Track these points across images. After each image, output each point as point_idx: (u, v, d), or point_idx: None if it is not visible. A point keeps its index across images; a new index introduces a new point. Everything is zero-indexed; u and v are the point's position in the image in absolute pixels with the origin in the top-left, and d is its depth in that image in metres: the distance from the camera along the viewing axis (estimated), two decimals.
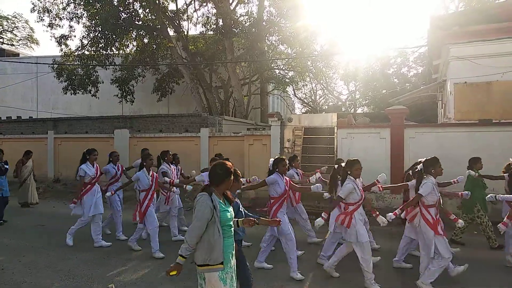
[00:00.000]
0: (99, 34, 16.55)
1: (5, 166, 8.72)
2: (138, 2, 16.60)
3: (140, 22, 17.20)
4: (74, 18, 17.00)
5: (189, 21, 18.52)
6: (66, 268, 5.46)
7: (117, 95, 18.79)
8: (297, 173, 7.14)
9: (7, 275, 5.17)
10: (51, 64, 17.37)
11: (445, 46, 10.65)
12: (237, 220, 3.33)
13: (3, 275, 5.17)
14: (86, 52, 17.32)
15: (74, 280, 4.98)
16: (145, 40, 17.89)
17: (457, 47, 10.19)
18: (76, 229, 6.67)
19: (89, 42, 16.93)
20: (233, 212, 3.20)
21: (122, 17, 16.51)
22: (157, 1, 15.94)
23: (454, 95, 10.31)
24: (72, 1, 16.79)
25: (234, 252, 3.13)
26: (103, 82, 18.20)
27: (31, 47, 31.34)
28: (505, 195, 5.20)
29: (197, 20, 18.67)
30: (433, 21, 10.96)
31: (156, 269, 5.44)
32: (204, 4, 17.84)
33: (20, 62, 21.82)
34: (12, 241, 6.97)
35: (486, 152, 7.89)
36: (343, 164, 5.12)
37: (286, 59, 19.87)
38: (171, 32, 17.43)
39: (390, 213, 4.53)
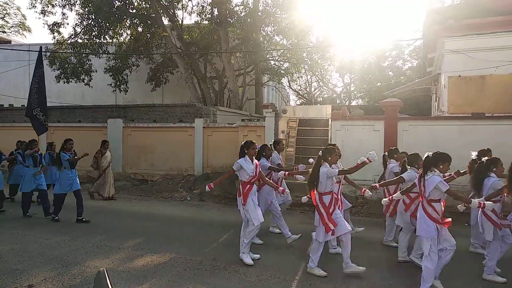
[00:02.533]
0: (92, 22, 16.31)
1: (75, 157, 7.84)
2: None
3: (134, 11, 17.00)
4: (67, 5, 16.74)
5: (183, 10, 18.34)
6: (59, 256, 5.46)
7: (110, 84, 18.61)
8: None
9: (0, 262, 5.16)
10: (44, 51, 17.11)
11: (440, 39, 10.68)
12: None
13: None
14: (79, 40, 17.08)
15: (67, 268, 4.98)
16: (139, 29, 17.69)
17: (452, 40, 10.22)
18: (250, 240, 5.36)
19: (82, 30, 16.68)
20: None
21: (116, 5, 16.29)
22: None
23: (448, 89, 10.37)
24: None
25: None
26: (96, 71, 17.99)
27: (23, 35, 30.84)
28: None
29: (192, 9, 18.50)
30: (429, 14, 10.97)
31: (149, 258, 5.46)
32: None
33: (11, 50, 21.50)
34: (6, 231, 6.95)
35: (478, 145, 7.92)
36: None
37: (282, 50, 19.78)
38: (165, 21, 17.24)
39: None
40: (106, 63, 18.02)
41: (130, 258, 5.46)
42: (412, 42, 23.14)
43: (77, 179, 7.84)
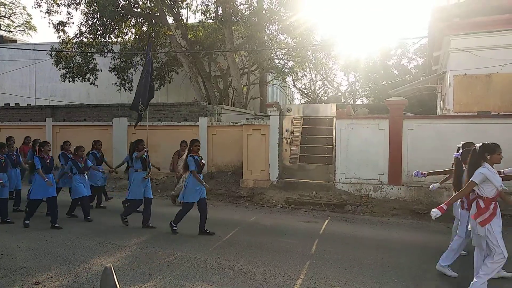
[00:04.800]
0: (97, 21, 16.40)
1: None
2: None
3: (139, 10, 17.07)
4: (72, 5, 16.85)
5: (188, 9, 18.41)
6: (65, 254, 5.51)
7: (115, 83, 18.70)
8: None
9: (7, 260, 5.21)
10: (49, 51, 17.25)
11: (445, 37, 10.60)
12: None
13: (2, 260, 5.21)
14: (84, 40, 17.18)
15: (73, 266, 5.02)
16: (144, 28, 17.78)
17: (458, 38, 10.13)
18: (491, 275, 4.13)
19: (87, 29, 16.77)
20: None
21: (121, 4, 16.36)
22: None
23: (454, 87, 10.29)
24: None
25: None
26: (101, 70, 18.09)
27: (29, 34, 30.99)
28: None
29: (196, 8, 18.58)
30: (434, 12, 10.88)
31: (154, 256, 5.48)
32: None
33: (18, 49, 21.66)
34: (11, 226, 7.01)
35: None
36: None
37: (286, 49, 19.76)
38: (170, 20, 17.29)
39: None
40: (111, 62, 18.12)
41: (135, 256, 5.49)
42: (418, 40, 23.07)
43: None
